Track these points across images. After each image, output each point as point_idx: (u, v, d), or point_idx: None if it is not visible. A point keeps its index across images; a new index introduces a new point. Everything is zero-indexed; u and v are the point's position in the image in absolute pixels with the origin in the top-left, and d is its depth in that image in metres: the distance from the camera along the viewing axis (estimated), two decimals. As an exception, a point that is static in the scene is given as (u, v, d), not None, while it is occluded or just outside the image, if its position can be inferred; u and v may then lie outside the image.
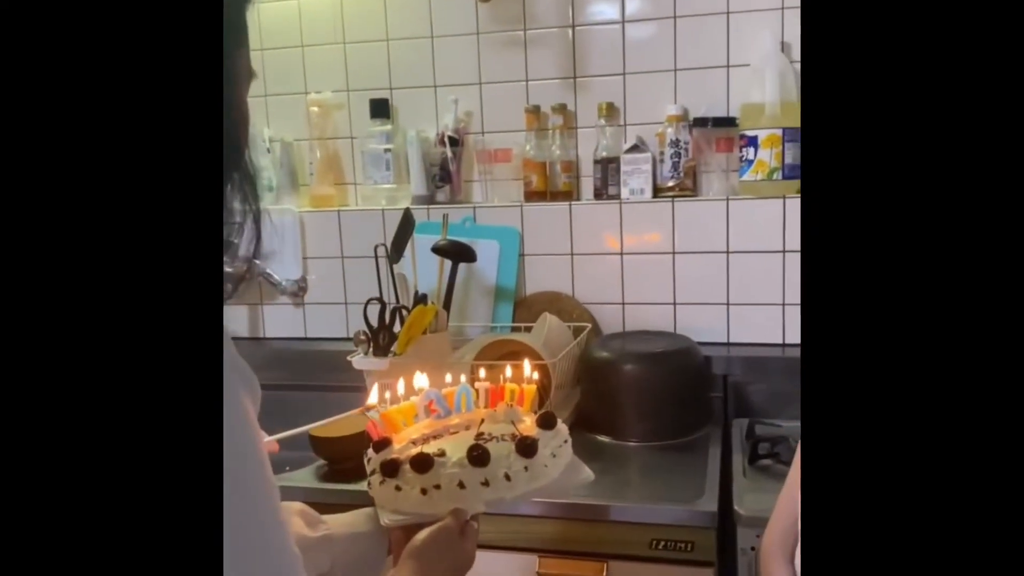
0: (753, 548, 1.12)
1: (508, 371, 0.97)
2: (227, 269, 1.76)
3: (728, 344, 1.58)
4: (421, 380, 0.95)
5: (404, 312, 1.47)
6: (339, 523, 0.84)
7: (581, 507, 1.16)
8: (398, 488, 0.81)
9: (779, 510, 1.02)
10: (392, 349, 1.45)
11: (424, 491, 0.80)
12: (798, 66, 1.49)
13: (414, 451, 0.83)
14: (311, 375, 1.71)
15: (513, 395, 0.94)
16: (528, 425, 0.87)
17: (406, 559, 0.75)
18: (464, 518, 0.80)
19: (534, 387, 0.94)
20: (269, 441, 0.83)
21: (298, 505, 0.83)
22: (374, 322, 1.47)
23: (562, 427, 0.88)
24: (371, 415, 0.89)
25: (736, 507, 1.14)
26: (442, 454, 0.81)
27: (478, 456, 0.80)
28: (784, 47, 1.51)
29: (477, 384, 0.94)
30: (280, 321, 1.84)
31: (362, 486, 1.23)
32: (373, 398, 0.90)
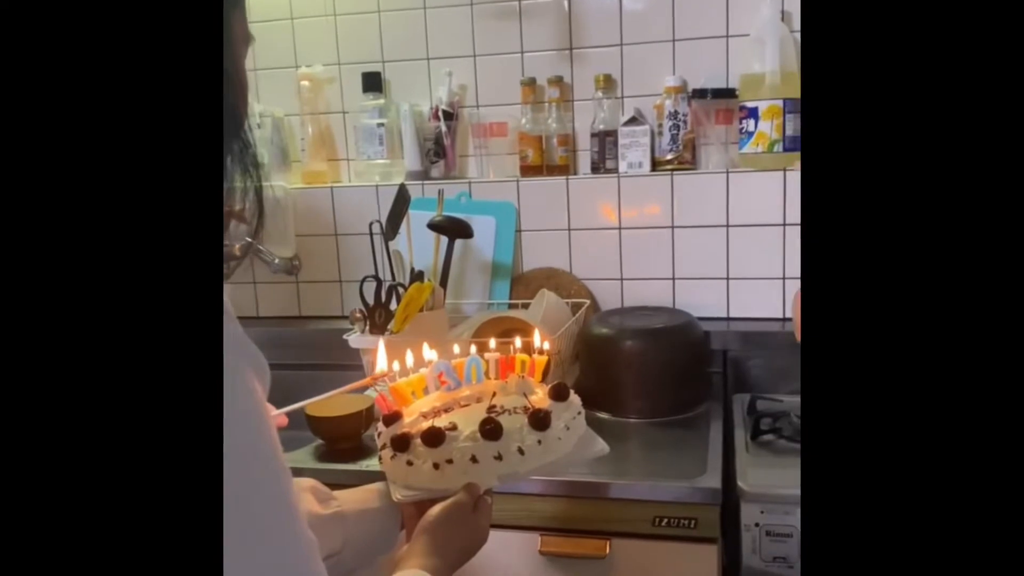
0: (757, 524, 1.11)
1: (518, 342, 0.95)
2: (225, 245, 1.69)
3: (728, 319, 1.56)
4: (430, 353, 0.94)
5: (400, 289, 1.44)
6: (350, 499, 0.83)
7: (583, 485, 1.15)
8: (409, 463, 0.80)
9: None
10: (389, 327, 1.43)
11: (436, 466, 0.78)
12: (798, 35, 1.47)
13: (425, 425, 0.81)
14: (308, 354, 1.69)
15: (524, 365, 0.92)
16: (540, 397, 0.85)
17: (419, 535, 0.73)
18: (477, 493, 0.78)
19: (545, 358, 0.92)
20: (278, 415, 0.81)
21: (309, 481, 0.81)
22: (370, 300, 1.44)
23: (575, 398, 0.87)
24: (379, 387, 0.87)
25: (739, 483, 1.13)
26: (454, 428, 0.80)
27: (491, 430, 0.78)
28: (784, 16, 1.49)
29: (487, 355, 0.92)
30: (274, 299, 1.81)
31: (360, 466, 1.23)
32: (382, 365, 0.87)
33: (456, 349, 0.96)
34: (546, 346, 0.93)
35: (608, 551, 1.15)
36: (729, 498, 1.15)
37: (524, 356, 0.93)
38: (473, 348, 0.95)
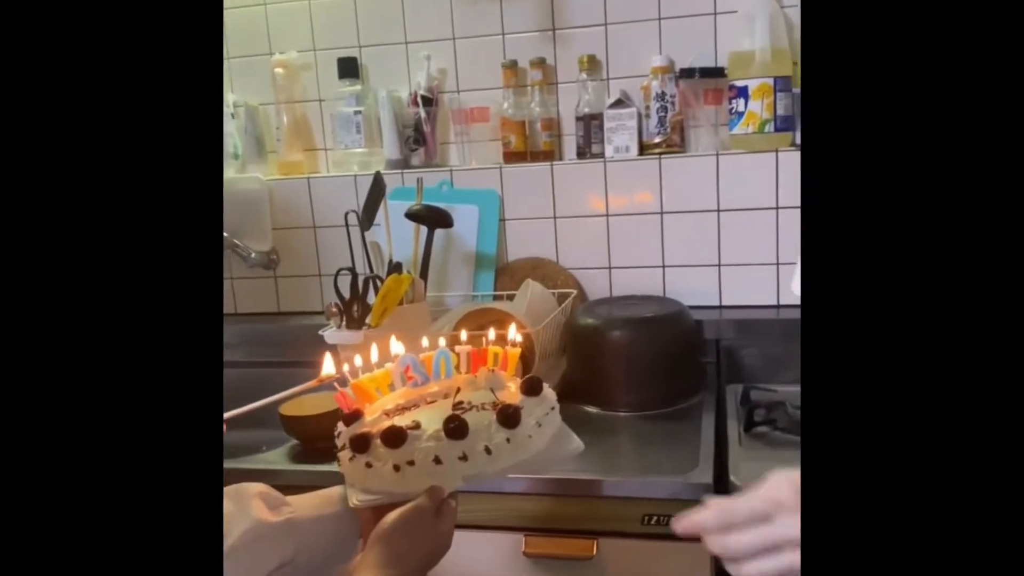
0: (752, 519, 1.06)
1: (491, 333, 0.89)
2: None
3: (720, 307, 1.51)
4: (396, 347, 0.88)
5: (378, 282, 1.39)
6: (305, 505, 0.77)
7: (569, 482, 1.10)
8: (369, 465, 0.74)
9: None
10: (366, 321, 1.37)
11: (397, 468, 0.73)
12: (789, 11, 1.41)
13: (386, 423, 0.75)
14: (287, 351, 1.63)
15: (496, 359, 0.87)
16: (511, 392, 0.79)
17: (373, 543, 0.68)
18: (441, 496, 0.73)
19: (519, 350, 0.86)
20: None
21: (258, 486, 0.76)
22: (347, 293, 1.39)
23: (549, 393, 0.81)
24: (342, 387, 0.82)
25: (732, 477, 1.08)
26: (417, 426, 0.74)
27: (455, 428, 0.72)
28: (774, -9, 1.42)
29: (458, 348, 0.87)
30: (252, 295, 1.75)
31: (336, 467, 1.17)
32: (328, 368, 0.82)
33: (425, 342, 0.90)
34: (519, 338, 0.87)
35: (596, 551, 1.10)
36: (722, 493, 1.10)
37: (497, 348, 0.88)
38: (442, 341, 0.89)
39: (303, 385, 0.84)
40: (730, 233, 1.48)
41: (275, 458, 1.25)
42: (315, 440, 1.26)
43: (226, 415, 0.76)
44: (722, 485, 1.09)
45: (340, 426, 0.80)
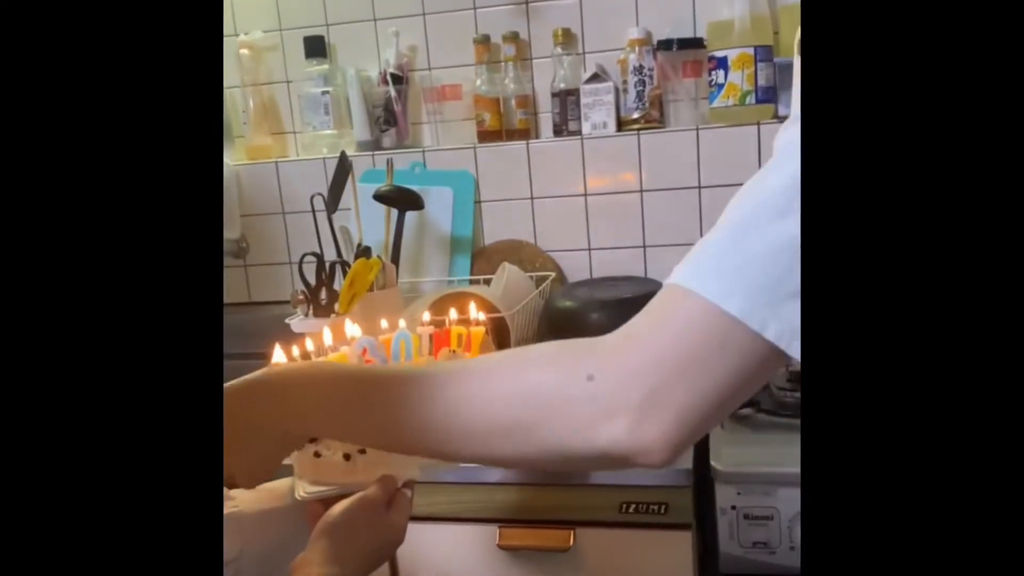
0: (734, 507, 1.01)
1: (453, 313, 0.84)
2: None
3: (703, 287, 1.46)
4: (352, 329, 0.83)
5: (345, 267, 1.33)
6: (249, 499, 0.72)
7: (542, 471, 1.05)
8: (317, 454, 0.69)
9: None
10: (335, 308, 1.32)
11: (347, 456, 0.68)
12: (769, -23, 1.36)
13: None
14: (258, 342, 1.57)
15: (460, 340, 0.82)
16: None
17: (317, 537, 0.63)
18: (393, 487, 0.68)
19: (482, 330, 0.81)
20: None
21: (195, 480, 0.70)
22: (312, 280, 1.33)
23: None
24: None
25: (713, 463, 1.03)
26: (367, 412, 0.69)
27: (408, 413, 0.67)
28: (753, -43, 1.37)
29: (420, 329, 0.82)
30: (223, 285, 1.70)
31: (289, 459, 1.13)
32: (277, 357, 0.77)
33: (384, 324, 0.85)
34: (482, 316, 0.82)
35: (572, 542, 1.05)
36: (703, 480, 1.05)
37: (461, 329, 0.83)
38: (402, 322, 0.84)
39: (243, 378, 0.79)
40: (712, 210, 1.43)
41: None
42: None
43: None
44: (703, 471, 1.05)
45: (289, 414, 0.74)
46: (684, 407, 0.47)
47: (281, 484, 0.75)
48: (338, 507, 0.65)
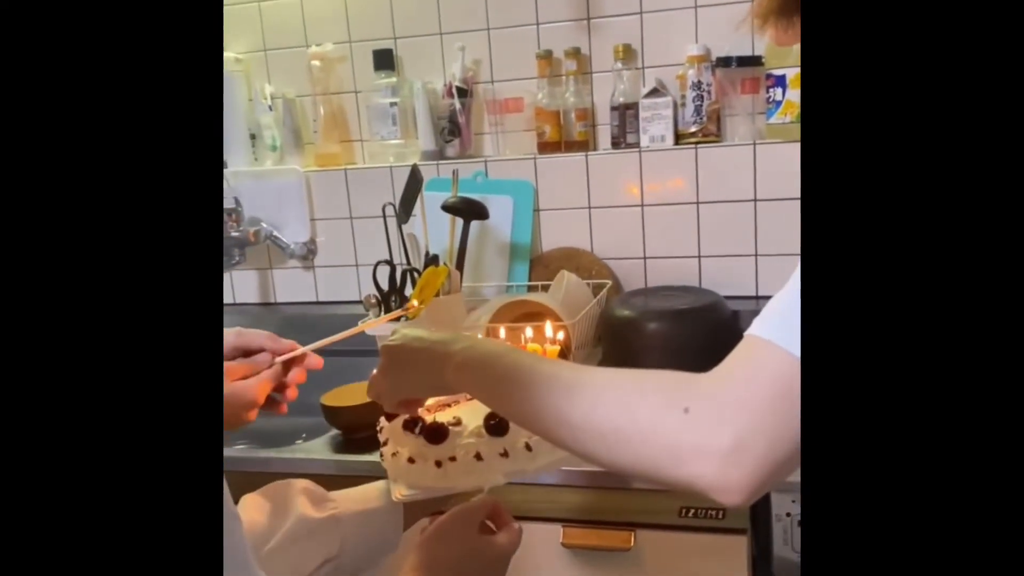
0: (788, 514, 1.06)
1: (528, 331, 0.90)
2: (233, 233, 1.68)
3: (757, 297, 1.50)
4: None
5: (415, 274, 1.40)
6: (349, 499, 0.79)
7: (605, 475, 1.09)
8: (411, 460, 0.75)
9: None
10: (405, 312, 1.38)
11: (439, 463, 0.74)
12: (829, -2, 1.39)
13: (428, 419, 0.76)
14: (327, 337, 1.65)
15: (536, 355, 0.87)
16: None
17: (413, 547, 0.68)
18: (492, 505, 0.72)
19: (557, 348, 0.87)
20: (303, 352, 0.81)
21: (303, 483, 0.77)
22: (384, 285, 1.40)
23: None
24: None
25: (769, 468, 1.08)
26: (458, 423, 0.75)
27: (496, 424, 0.73)
28: (813, -22, 1.40)
29: (500, 345, 0.88)
30: (290, 285, 1.78)
31: (378, 456, 1.19)
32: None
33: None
34: (560, 336, 0.88)
35: (633, 543, 1.10)
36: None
37: (536, 346, 0.89)
38: (480, 334, 0.90)
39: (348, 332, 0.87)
40: (767, 223, 1.47)
41: (315, 447, 1.27)
42: (355, 430, 1.28)
43: (308, 347, 0.78)
44: (759, 478, 1.09)
45: (382, 421, 0.81)
46: (768, 454, 0.51)
47: (375, 487, 0.81)
48: (435, 522, 0.70)
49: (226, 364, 0.78)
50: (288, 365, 0.81)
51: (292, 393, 0.83)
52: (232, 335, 0.82)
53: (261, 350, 0.81)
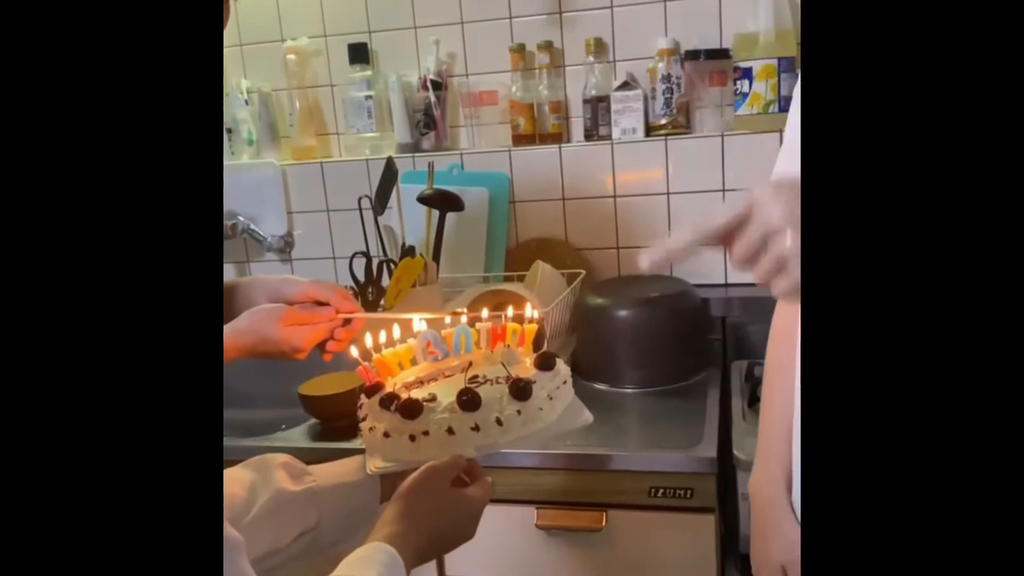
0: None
1: (510, 311, 0.92)
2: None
3: (726, 285, 1.53)
4: (419, 324, 0.91)
5: (392, 265, 1.42)
6: (327, 473, 0.81)
7: (578, 457, 1.13)
8: (387, 435, 0.78)
9: (764, 440, 0.92)
10: (381, 304, 1.40)
11: (412, 438, 0.76)
12: (793, -8, 1.43)
13: (404, 395, 0.79)
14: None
15: (515, 335, 0.90)
16: (526, 367, 0.82)
17: (391, 503, 0.71)
18: (462, 463, 0.76)
19: (535, 327, 0.89)
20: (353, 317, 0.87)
21: (281, 457, 0.79)
22: (361, 276, 1.42)
23: (562, 367, 0.84)
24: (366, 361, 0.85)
25: (736, 451, 1.11)
26: (432, 399, 0.77)
27: (468, 400, 0.76)
28: (778, -27, 1.44)
29: (478, 325, 0.90)
30: (266, 279, 1.79)
31: (356, 444, 1.21)
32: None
33: (447, 320, 0.93)
34: (536, 315, 0.90)
35: (604, 523, 1.13)
36: (726, 467, 1.13)
37: (515, 325, 0.91)
38: (464, 319, 0.92)
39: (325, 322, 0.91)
40: (736, 213, 1.50)
41: (295, 436, 1.28)
42: (333, 419, 1.30)
43: (369, 314, 0.86)
44: (726, 459, 1.12)
45: (363, 398, 0.83)
46: None
47: (352, 461, 0.84)
48: (409, 477, 0.73)
49: (290, 309, 0.84)
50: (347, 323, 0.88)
51: (337, 346, 0.89)
52: (307, 283, 0.88)
53: (328, 303, 0.88)
